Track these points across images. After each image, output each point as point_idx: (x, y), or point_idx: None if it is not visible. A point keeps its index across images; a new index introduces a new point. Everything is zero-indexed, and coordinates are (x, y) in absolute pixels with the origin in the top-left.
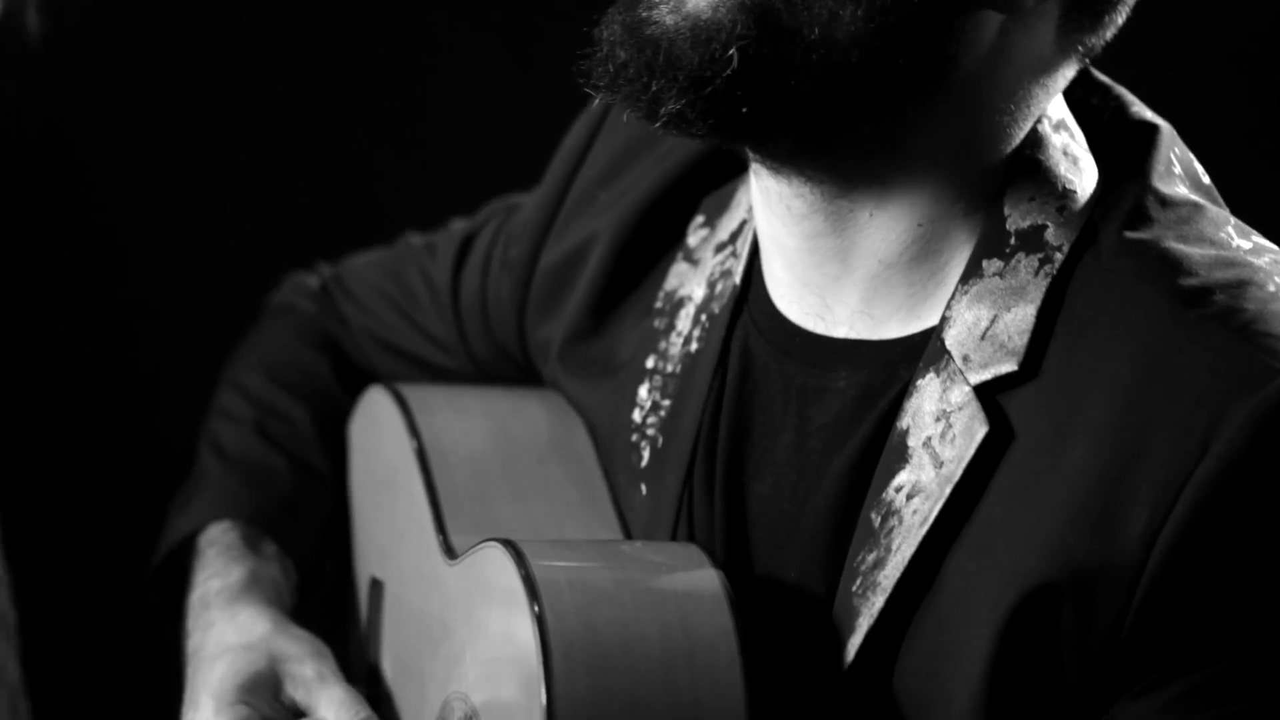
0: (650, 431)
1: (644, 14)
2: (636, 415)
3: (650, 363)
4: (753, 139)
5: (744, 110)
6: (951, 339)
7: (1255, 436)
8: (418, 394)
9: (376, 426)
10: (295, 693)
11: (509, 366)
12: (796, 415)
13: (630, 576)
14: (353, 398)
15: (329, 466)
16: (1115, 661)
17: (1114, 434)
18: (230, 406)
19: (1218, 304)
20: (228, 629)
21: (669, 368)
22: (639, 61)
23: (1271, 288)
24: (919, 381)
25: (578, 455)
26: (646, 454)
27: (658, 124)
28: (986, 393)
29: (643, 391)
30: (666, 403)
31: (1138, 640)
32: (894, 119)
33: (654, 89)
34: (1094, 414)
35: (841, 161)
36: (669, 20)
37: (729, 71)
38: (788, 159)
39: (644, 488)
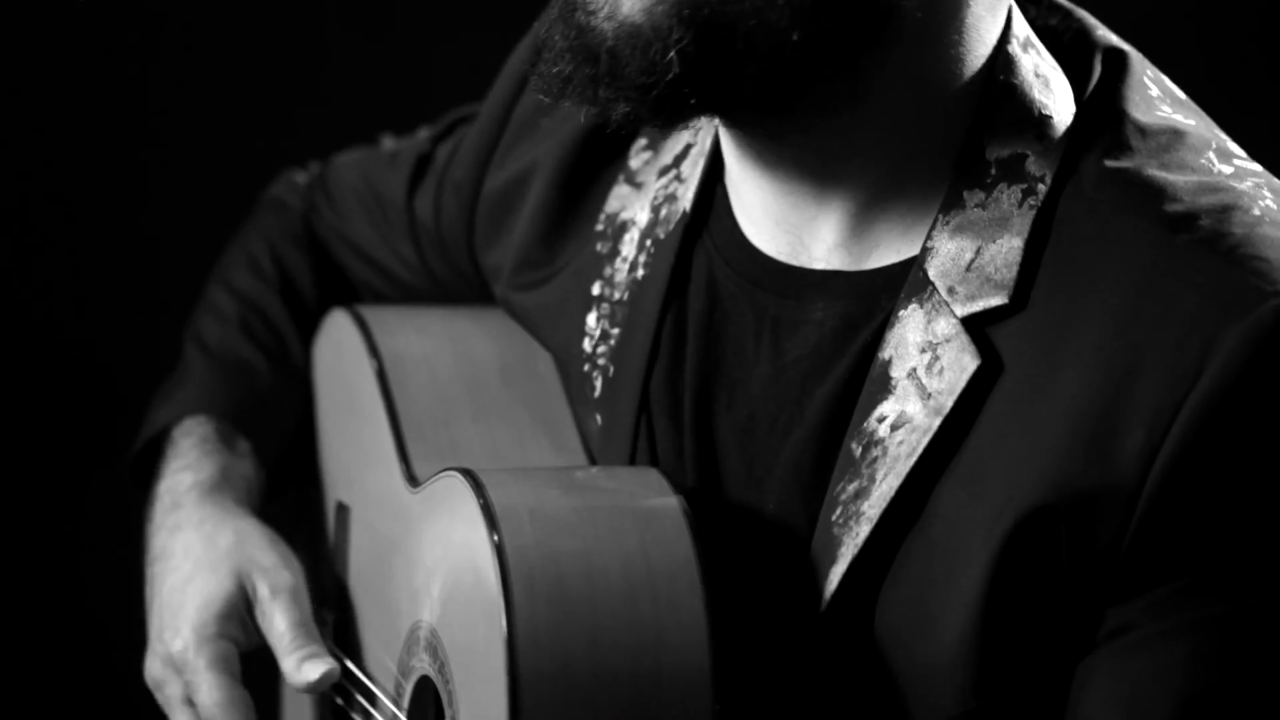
0: (601, 361)
1: (582, 21)
2: (587, 345)
3: (596, 289)
4: (711, 117)
5: (694, 102)
6: (934, 270)
7: (1248, 359)
8: (378, 316)
9: (339, 349)
10: (255, 611)
11: (466, 287)
12: (771, 347)
13: (591, 505)
14: (332, 297)
15: (304, 369)
16: (1111, 580)
17: (1106, 361)
18: (217, 302)
19: (1204, 229)
20: (194, 536)
21: (616, 295)
22: (582, 74)
23: (1256, 211)
24: (901, 312)
25: (540, 376)
26: (599, 384)
27: (614, 123)
28: (975, 325)
29: (591, 320)
30: (615, 331)
31: (1134, 558)
32: (850, 74)
33: (602, 96)
34: (1084, 342)
35: (805, 117)
36: (606, 27)
37: (671, 75)
38: (749, 123)
39: (599, 418)
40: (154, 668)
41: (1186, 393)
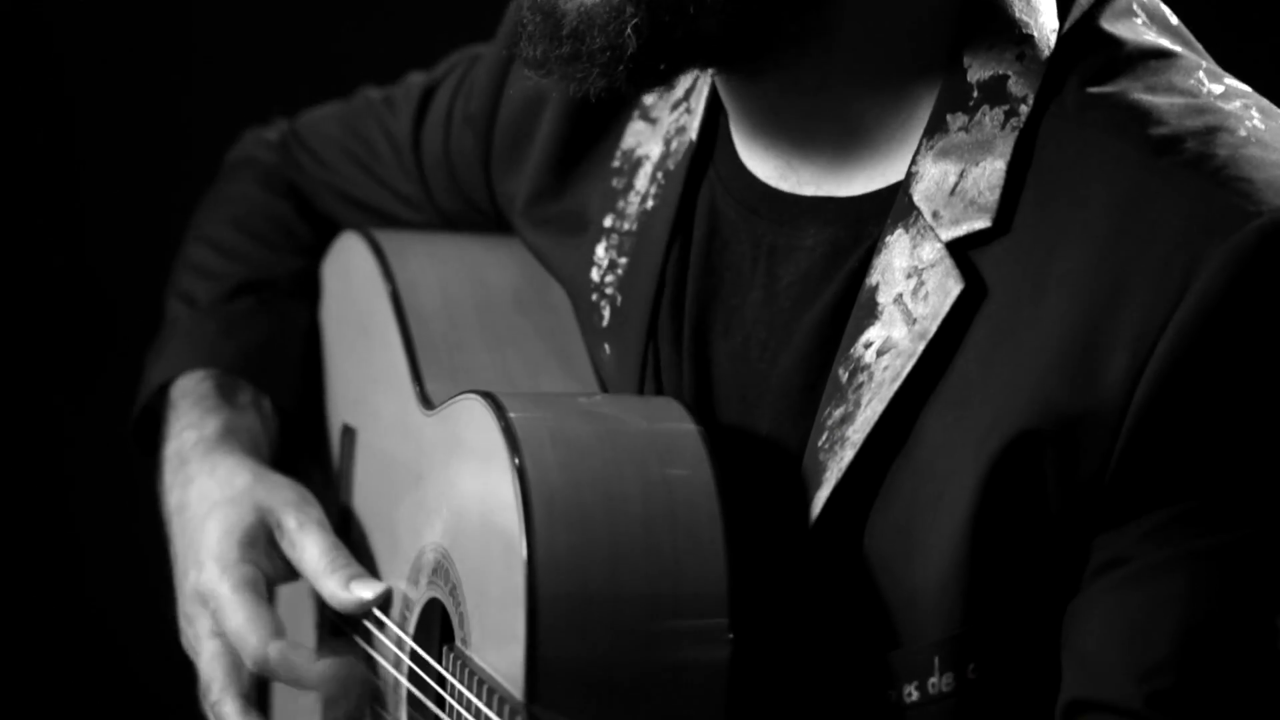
0: (609, 291)
1: (547, 5)
2: (595, 275)
3: (608, 222)
4: (689, 70)
5: (663, 67)
6: (919, 194)
7: (1233, 278)
8: (392, 240)
9: (350, 272)
10: (282, 543)
11: (479, 219)
12: (766, 273)
13: (612, 432)
14: (320, 239)
15: (303, 310)
16: (1099, 502)
17: (1090, 282)
18: (200, 260)
19: (1189, 151)
20: (208, 482)
21: (625, 226)
22: (555, 53)
23: (1243, 132)
24: (887, 238)
25: (553, 305)
26: (607, 313)
27: (597, 95)
28: (959, 249)
29: (600, 250)
30: (623, 261)
31: (1122, 480)
32: (816, 9)
33: (578, 74)
34: (1069, 265)
35: (778, 55)
36: (569, 8)
37: (632, 50)
38: (724, 68)
39: (607, 348)
40: (183, 608)
41: (1170, 314)
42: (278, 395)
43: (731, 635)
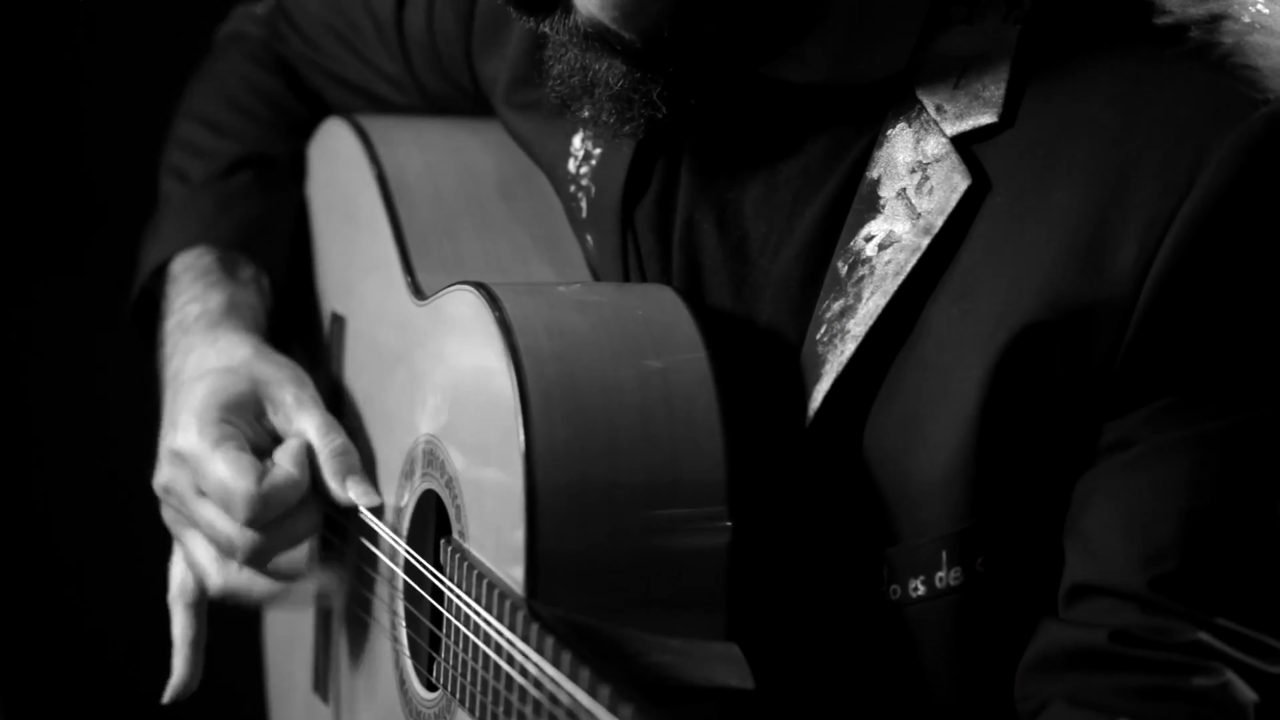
0: (584, 182)
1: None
2: (571, 166)
3: (587, 112)
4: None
5: (672, 69)
6: (922, 88)
7: (1240, 167)
8: (377, 125)
9: (336, 159)
10: (275, 418)
11: (462, 100)
12: (765, 167)
13: (606, 322)
14: (314, 115)
15: (297, 190)
16: (1108, 390)
17: (1097, 174)
18: (193, 138)
19: (1193, 40)
20: (209, 352)
21: (603, 117)
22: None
23: (1247, 18)
24: (889, 131)
25: (540, 190)
26: (584, 204)
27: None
28: (963, 144)
29: (576, 142)
30: (598, 151)
31: (1131, 368)
32: None
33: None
34: (1075, 157)
35: None
36: (580, 19)
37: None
38: None
39: (589, 238)
40: (160, 472)
41: (1179, 204)
42: (275, 271)
43: (730, 522)
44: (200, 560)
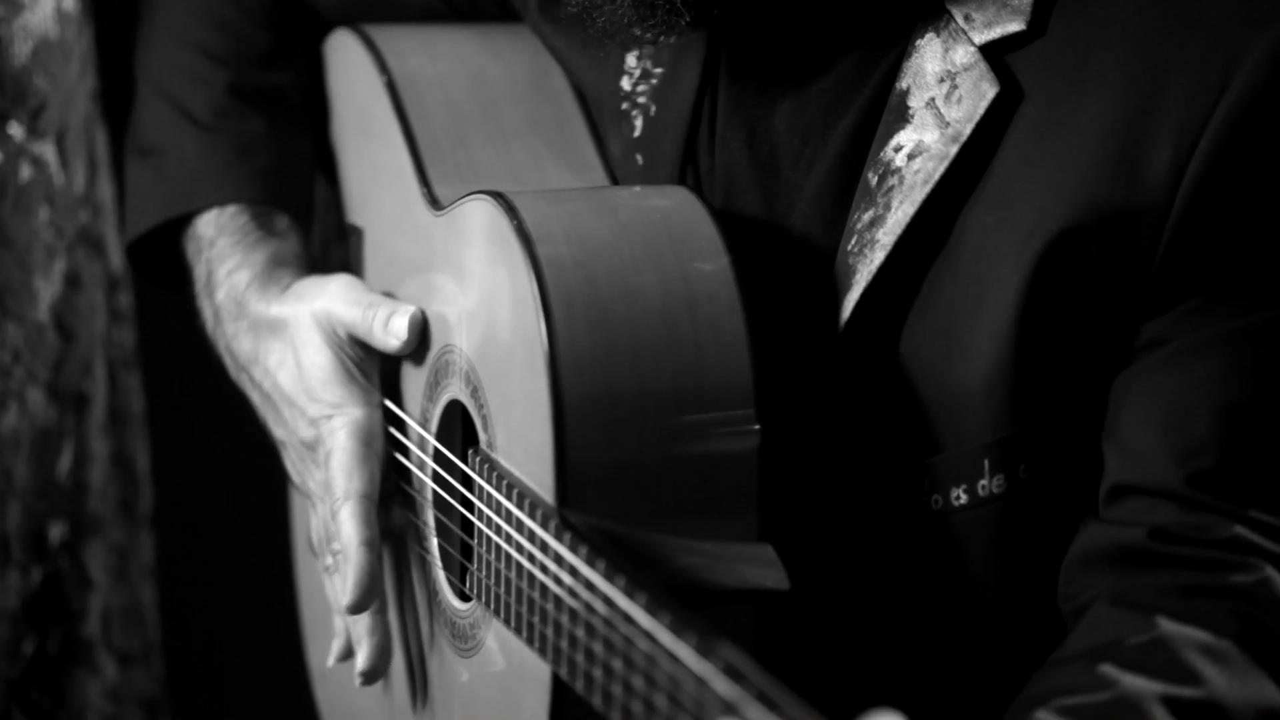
0: (641, 100)
1: None
2: (625, 83)
3: (641, 30)
4: None
5: None
6: None
7: (1274, 68)
8: (385, 35)
9: (345, 70)
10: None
11: (489, 4)
12: (796, 81)
13: (626, 226)
14: (308, 29)
15: (304, 114)
16: (1145, 292)
17: (1129, 80)
18: (186, 63)
19: None
20: (276, 326)
21: (663, 36)
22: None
23: None
24: (918, 42)
25: (553, 94)
26: (639, 123)
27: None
28: (993, 53)
29: (631, 59)
30: (659, 70)
31: (1168, 270)
32: None
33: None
34: (1107, 63)
35: None
36: None
37: None
38: None
39: (639, 158)
40: (293, 458)
41: (1213, 106)
42: (307, 219)
43: (758, 425)
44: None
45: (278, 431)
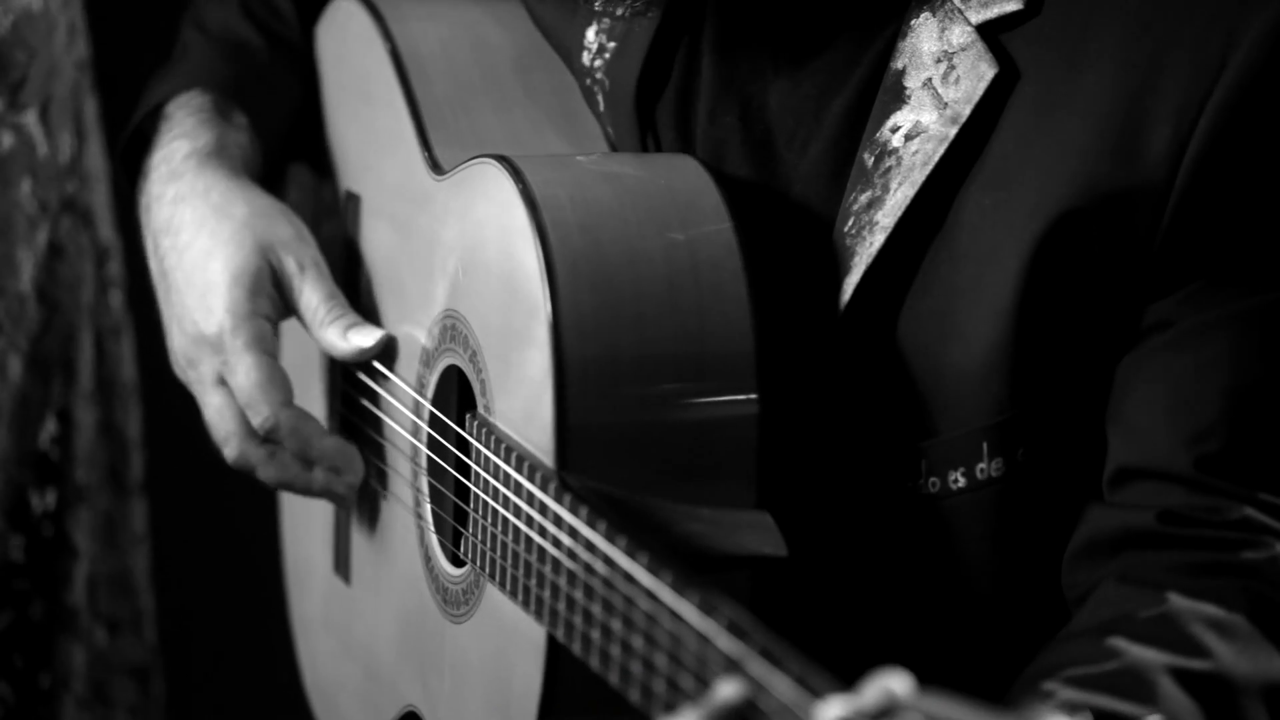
0: (599, 75)
1: None
2: (585, 58)
3: (599, 4)
4: None
5: None
6: None
7: (1272, 48)
8: (389, 2)
9: (346, 34)
10: (282, 285)
11: None
12: (788, 62)
13: (631, 192)
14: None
15: (300, 62)
16: (1146, 274)
17: (1127, 59)
18: None
19: None
20: (203, 207)
21: (619, 10)
22: None
23: None
24: (913, 21)
25: (555, 62)
26: (601, 99)
27: None
28: (989, 32)
29: (590, 34)
30: (612, 45)
31: (1169, 251)
32: None
33: None
34: (1104, 42)
35: None
36: None
37: None
38: None
39: (610, 130)
40: (184, 347)
41: (1212, 85)
42: (262, 126)
43: (758, 394)
44: (218, 426)
45: (166, 310)
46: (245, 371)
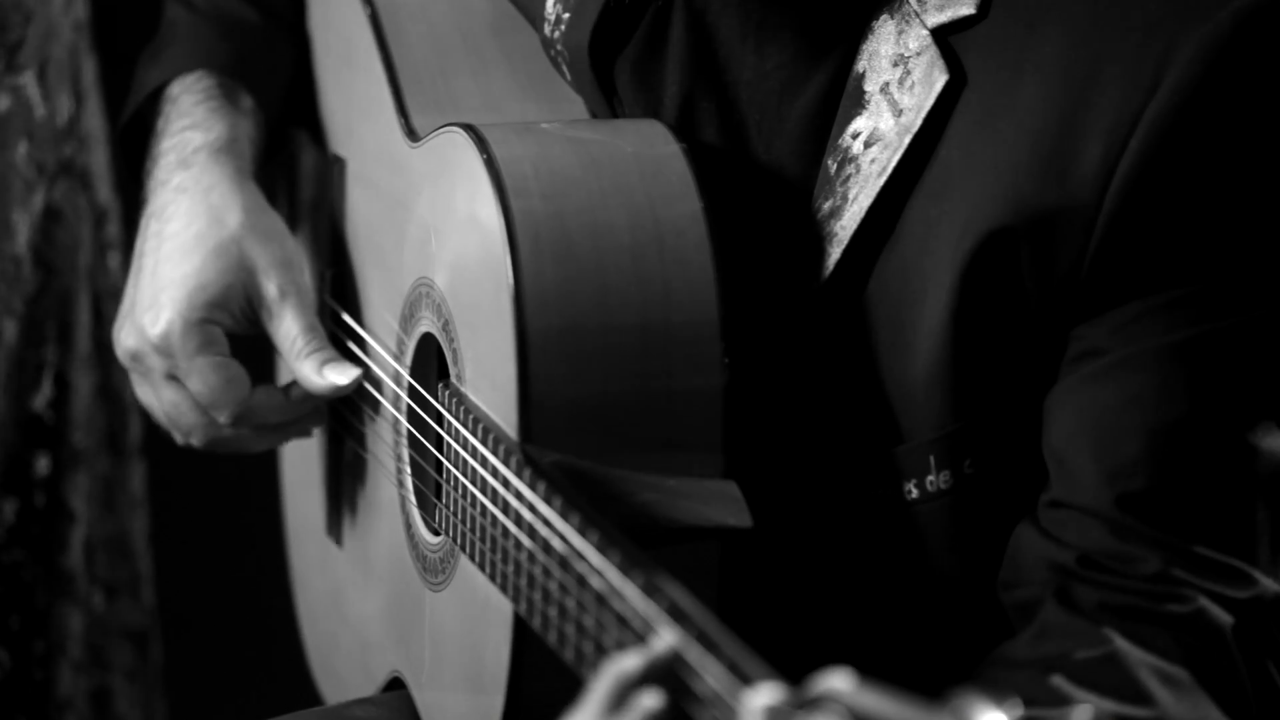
0: (559, 47)
1: None
2: (547, 30)
3: None
4: None
5: None
6: None
7: (1207, 67)
8: None
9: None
10: (259, 310)
11: None
12: (755, 51)
13: (596, 160)
14: None
15: (294, 30)
16: (1076, 296)
17: (1064, 72)
18: None
19: None
20: (200, 206)
21: None
22: None
23: None
24: (873, 23)
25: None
26: (566, 69)
27: None
28: (942, 36)
29: (549, 5)
30: (567, 16)
31: (1098, 273)
32: None
33: None
34: (1045, 51)
35: None
36: None
37: None
38: None
39: (582, 100)
40: (129, 340)
41: (1144, 105)
42: (270, 110)
43: (727, 360)
44: (177, 419)
45: (131, 288)
46: (202, 377)
